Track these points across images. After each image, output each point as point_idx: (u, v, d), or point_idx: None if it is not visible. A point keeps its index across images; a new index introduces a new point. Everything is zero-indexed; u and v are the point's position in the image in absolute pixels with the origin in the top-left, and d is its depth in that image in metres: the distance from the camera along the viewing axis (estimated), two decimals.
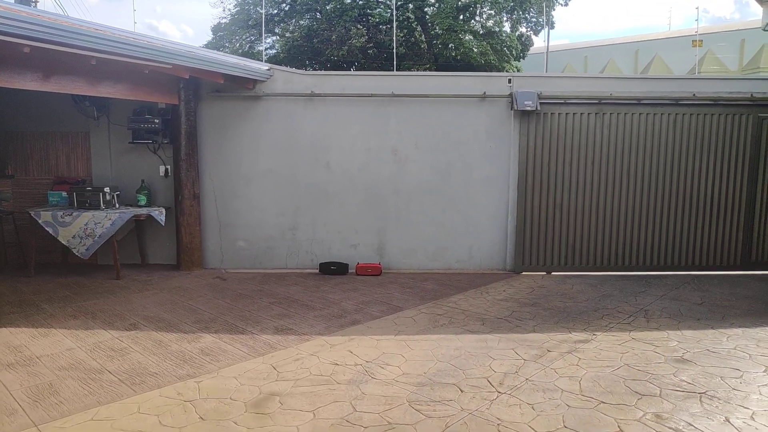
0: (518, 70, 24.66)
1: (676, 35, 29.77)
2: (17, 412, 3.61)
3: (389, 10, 23.14)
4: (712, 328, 5.32)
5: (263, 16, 21.48)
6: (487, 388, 3.95)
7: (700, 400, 3.77)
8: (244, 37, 26.03)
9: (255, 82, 7.31)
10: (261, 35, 24.31)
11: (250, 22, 24.86)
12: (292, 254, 7.71)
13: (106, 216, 6.86)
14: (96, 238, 6.86)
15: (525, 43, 26.10)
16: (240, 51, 24.95)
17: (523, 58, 26.44)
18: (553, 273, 7.62)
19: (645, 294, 6.57)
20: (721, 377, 4.14)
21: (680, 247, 7.64)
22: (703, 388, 3.96)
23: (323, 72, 8.80)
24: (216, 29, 26.62)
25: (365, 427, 3.40)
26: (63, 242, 6.91)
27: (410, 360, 4.47)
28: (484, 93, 7.40)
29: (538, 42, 28.23)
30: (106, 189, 7.09)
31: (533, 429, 3.37)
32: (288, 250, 7.70)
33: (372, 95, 7.43)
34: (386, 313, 5.75)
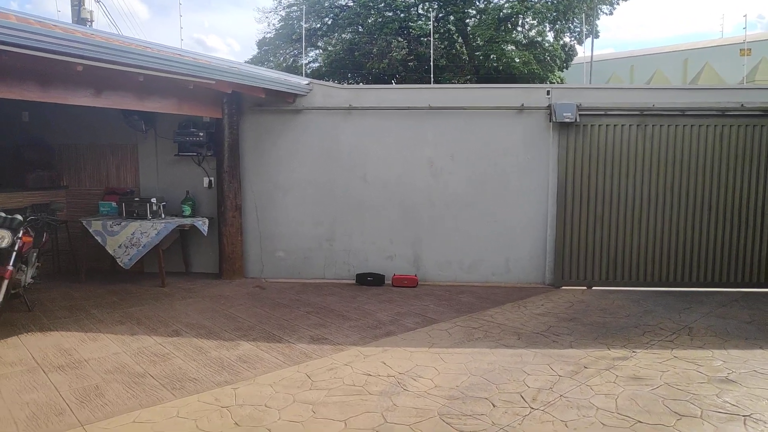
0: (561, 81, 24.35)
1: (728, 43, 28.85)
2: (65, 411, 3.79)
3: (429, 22, 23.27)
4: (761, 348, 5.11)
5: (303, 30, 21.92)
6: (520, 404, 3.91)
7: (745, 423, 3.63)
8: (288, 51, 26.65)
9: (295, 96, 7.48)
10: (302, 49, 24.78)
11: (293, 37, 25.43)
12: (329, 264, 7.81)
13: (152, 226, 7.12)
14: (140, 248, 7.13)
15: (569, 53, 25.77)
16: (284, 65, 25.53)
17: (567, 68, 26.10)
18: (593, 287, 7.46)
19: (689, 311, 6.36)
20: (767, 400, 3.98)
21: (728, 262, 7.36)
22: (748, 410, 3.81)
23: (361, 86, 8.95)
24: (261, 44, 27.35)
25: None
26: (110, 251, 7.21)
27: (443, 373, 4.47)
28: (522, 105, 7.36)
29: (582, 52, 27.79)
30: (153, 200, 7.37)
31: None
32: (325, 260, 7.81)
33: (408, 108, 7.49)
34: (421, 325, 5.76)
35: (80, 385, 4.24)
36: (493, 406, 3.88)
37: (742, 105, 7.12)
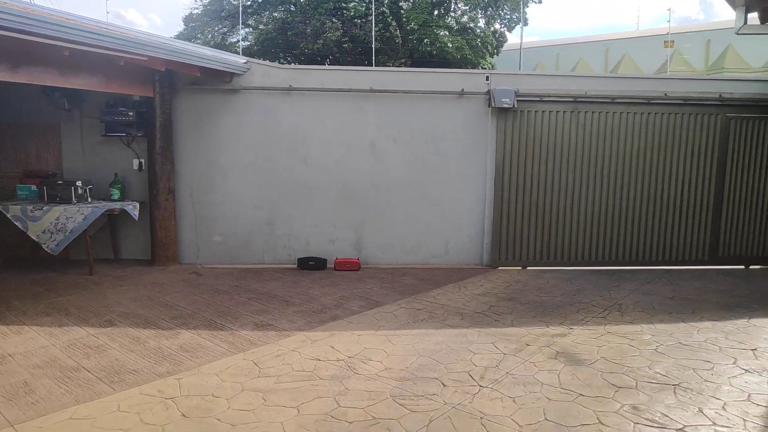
0: (493, 67, 24.86)
1: (645, 35, 30.38)
2: None
3: (364, 4, 23.07)
4: (684, 321, 5.48)
5: (240, 7, 21.16)
6: (469, 382, 4.00)
7: (674, 391, 3.89)
8: (216, 28, 25.66)
9: (232, 75, 7.21)
10: (235, 27, 23.97)
11: (222, 13, 24.51)
12: (269, 249, 7.65)
13: (78, 210, 6.70)
14: (67, 233, 6.70)
15: (499, 40, 26.31)
16: (212, 42, 24.58)
17: (498, 54, 26.67)
18: (528, 268, 7.74)
19: (618, 288, 6.72)
20: (693, 369, 4.28)
21: (651, 243, 7.84)
22: (677, 380, 4.09)
23: (301, 66, 8.73)
24: (188, 20, 26.16)
25: (350, 422, 3.41)
26: (33, 237, 6.73)
27: (392, 355, 4.50)
28: (462, 90, 7.45)
29: (512, 39, 28.45)
30: (78, 183, 6.92)
31: (515, 422, 3.44)
32: (265, 244, 7.64)
33: (350, 90, 7.41)
34: (366, 308, 5.77)
35: (6, 381, 3.94)
36: (444, 385, 3.95)
37: (665, 94, 7.54)
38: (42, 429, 3.31)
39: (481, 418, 3.49)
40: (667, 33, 24.72)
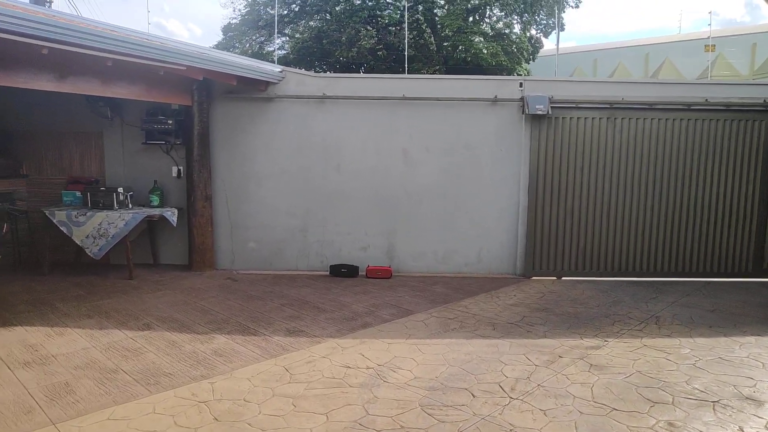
0: (528, 73, 24.62)
1: (687, 38, 29.59)
2: (35, 410, 3.65)
3: (399, 12, 23.17)
4: (725, 335, 5.30)
5: (276, 17, 21.54)
6: (499, 394, 3.96)
7: (714, 408, 3.77)
8: (254, 37, 26.14)
9: (267, 83, 7.35)
10: (272, 36, 24.39)
11: (260, 23, 24.97)
12: (302, 256, 7.74)
13: (119, 216, 6.92)
14: (109, 239, 6.92)
15: (535, 46, 26.03)
16: (250, 52, 25.05)
17: (534, 60, 26.39)
18: (563, 278, 7.61)
19: (656, 300, 6.55)
20: (734, 386, 4.13)
21: (692, 253, 7.61)
22: (716, 396, 3.95)
23: (335, 74, 8.84)
24: (226, 29, 26.74)
25: (378, 431, 3.42)
26: (77, 242, 6.97)
27: (422, 364, 4.49)
28: (495, 96, 7.41)
29: (548, 44, 28.10)
30: (120, 189, 7.15)
31: None
32: (298, 251, 7.73)
33: (383, 98, 7.45)
34: (397, 317, 5.77)
35: (49, 381, 4.09)
36: (473, 396, 3.92)
37: (706, 100, 7.34)
38: (81, 428, 3.43)
39: (510, 430, 3.45)
40: (708, 37, 24.03)
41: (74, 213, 6.93)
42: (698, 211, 7.53)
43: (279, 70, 7.53)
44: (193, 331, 5.23)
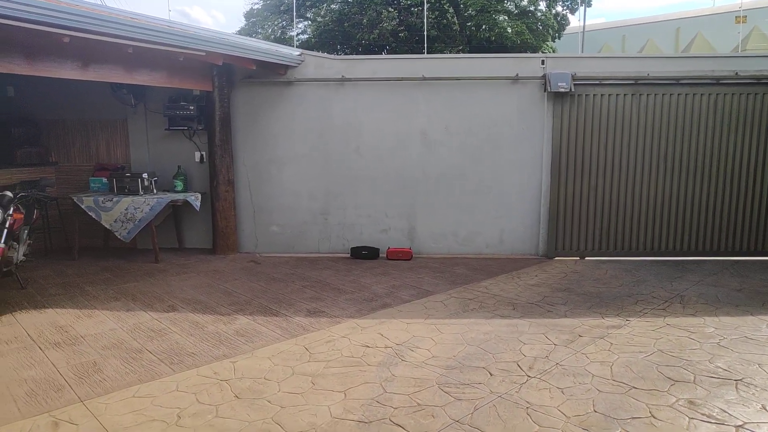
0: (553, 51, 24.13)
1: (720, 11, 28.57)
2: (64, 388, 3.79)
3: None
4: (751, 314, 5.19)
5: (294, 1, 21.52)
6: (517, 372, 3.96)
7: (736, 387, 3.70)
8: (276, 22, 26.17)
9: (287, 67, 7.36)
10: (292, 20, 24.39)
11: (282, 8, 24.96)
12: (324, 239, 7.80)
13: (144, 201, 7.06)
14: (136, 222, 7.08)
15: (561, 23, 25.46)
16: (272, 37, 25.10)
17: (560, 38, 25.83)
18: (586, 258, 7.52)
19: (681, 279, 6.43)
20: (759, 364, 4.05)
21: (719, 231, 7.43)
22: (740, 375, 3.89)
23: (353, 57, 8.79)
24: (249, 15, 26.84)
25: (395, 408, 3.46)
26: (106, 226, 7.16)
27: (440, 343, 4.51)
28: (517, 75, 7.29)
29: (574, 21, 27.51)
30: (145, 175, 7.29)
31: (562, 413, 3.38)
32: (320, 234, 7.80)
33: (402, 79, 7.40)
34: (416, 297, 5.79)
35: (78, 361, 4.24)
36: (491, 375, 3.92)
37: (736, 73, 7.10)
38: (108, 405, 3.55)
39: (527, 407, 3.45)
40: (739, 9, 23.15)
41: (101, 199, 7.10)
42: (726, 189, 7.34)
43: (297, 53, 7.54)
44: (216, 313, 5.34)
